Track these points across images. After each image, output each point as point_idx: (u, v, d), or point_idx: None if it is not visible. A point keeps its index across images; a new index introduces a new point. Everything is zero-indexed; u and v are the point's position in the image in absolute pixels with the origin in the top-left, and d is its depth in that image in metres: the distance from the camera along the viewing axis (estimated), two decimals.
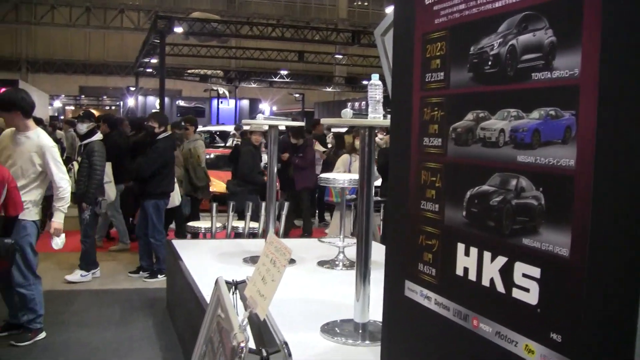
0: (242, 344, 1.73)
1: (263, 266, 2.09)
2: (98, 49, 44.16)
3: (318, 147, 12.87)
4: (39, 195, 5.82)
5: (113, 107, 48.93)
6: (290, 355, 1.76)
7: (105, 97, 50.89)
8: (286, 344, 1.77)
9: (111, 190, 8.58)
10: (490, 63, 1.99)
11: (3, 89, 25.24)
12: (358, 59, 37.66)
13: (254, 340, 1.94)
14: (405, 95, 2.46)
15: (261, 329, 2.09)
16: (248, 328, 1.92)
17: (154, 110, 22.82)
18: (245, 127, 13.44)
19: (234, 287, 2.36)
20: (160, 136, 8.42)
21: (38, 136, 5.77)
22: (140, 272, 8.63)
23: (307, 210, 11.73)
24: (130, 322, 6.71)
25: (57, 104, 47.53)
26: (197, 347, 2.43)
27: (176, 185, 9.16)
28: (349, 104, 33.53)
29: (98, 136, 8.05)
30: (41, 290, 6.02)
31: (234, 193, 9.64)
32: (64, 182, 5.82)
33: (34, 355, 5.64)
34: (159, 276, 8.49)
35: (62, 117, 25.04)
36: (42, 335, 6.01)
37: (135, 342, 6.07)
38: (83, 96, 49.65)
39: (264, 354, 1.74)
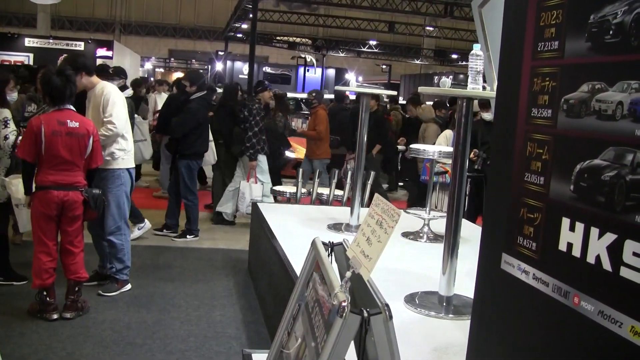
0: (344, 304, 1.72)
1: (368, 227, 2.07)
2: (189, 13, 44.85)
3: None
4: (125, 142, 5.97)
5: (201, 72, 49.49)
6: (391, 317, 1.74)
7: (193, 60, 51.67)
8: (387, 306, 1.75)
9: (146, 149, 8.49)
10: (611, 32, 1.90)
11: (103, 49, 25.54)
12: (449, 32, 37.17)
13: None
14: (514, 65, 2.39)
15: (354, 291, 2.08)
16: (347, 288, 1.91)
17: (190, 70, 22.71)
18: None
19: (330, 248, 2.36)
20: (194, 96, 8.31)
21: (102, 87, 5.94)
22: (164, 230, 8.49)
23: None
24: (211, 280, 6.84)
25: (148, 65, 48.48)
26: (289, 305, 2.44)
27: (212, 144, 8.96)
28: (436, 77, 33.13)
29: (127, 93, 7.87)
30: (129, 242, 6.22)
31: None
32: (107, 128, 5.77)
33: (119, 305, 5.82)
34: (188, 237, 8.39)
35: (152, 79, 25.50)
36: (128, 287, 6.20)
37: (216, 300, 6.19)
38: (172, 59, 50.52)
39: (365, 314, 1.72)
